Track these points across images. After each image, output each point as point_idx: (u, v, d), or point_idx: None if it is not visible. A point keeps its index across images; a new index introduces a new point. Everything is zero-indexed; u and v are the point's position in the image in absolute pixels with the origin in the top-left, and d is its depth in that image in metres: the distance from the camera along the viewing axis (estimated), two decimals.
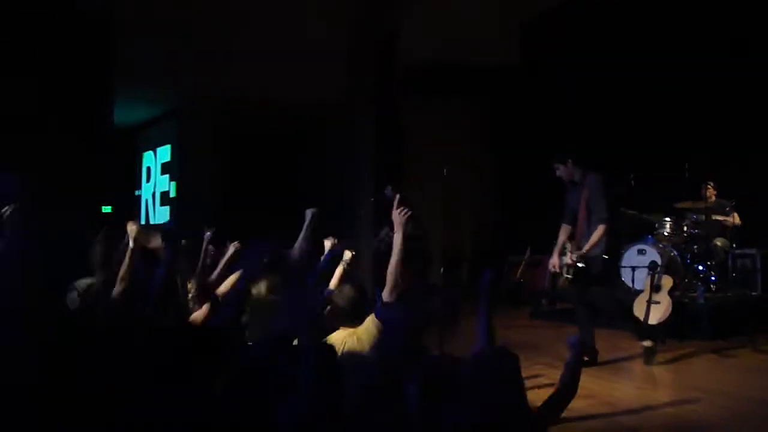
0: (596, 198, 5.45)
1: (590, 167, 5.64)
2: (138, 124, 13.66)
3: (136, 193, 14.27)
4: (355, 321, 3.45)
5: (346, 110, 10.46)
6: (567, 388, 2.50)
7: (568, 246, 5.58)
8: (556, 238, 9.34)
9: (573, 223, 5.71)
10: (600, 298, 5.51)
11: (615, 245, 8.40)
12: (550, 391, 4.70)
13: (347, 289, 3.55)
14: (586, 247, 5.36)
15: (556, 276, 5.78)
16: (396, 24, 9.94)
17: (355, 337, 3.56)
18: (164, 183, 12.96)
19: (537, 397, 4.55)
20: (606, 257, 5.50)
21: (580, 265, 5.34)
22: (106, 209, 8.56)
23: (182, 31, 9.13)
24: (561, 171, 5.61)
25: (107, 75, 8.75)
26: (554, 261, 5.68)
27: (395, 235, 3.46)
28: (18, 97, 7.79)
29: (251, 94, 10.42)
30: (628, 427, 4.04)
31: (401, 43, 9.94)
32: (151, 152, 13.60)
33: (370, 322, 3.35)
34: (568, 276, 5.48)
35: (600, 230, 5.38)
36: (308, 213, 4.62)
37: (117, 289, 3.48)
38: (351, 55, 10.21)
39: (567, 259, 5.50)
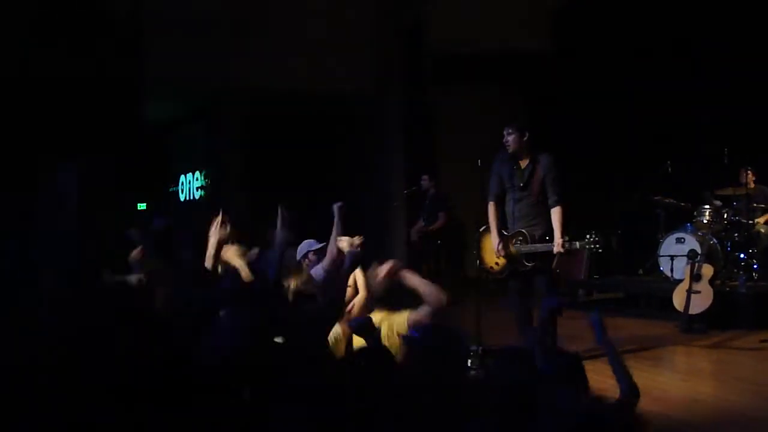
0: (556, 178, 5.14)
1: (541, 148, 5.30)
2: (169, 120, 13.77)
3: (170, 189, 14.39)
4: (392, 304, 3.42)
5: (377, 101, 10.42)
6: (628, 389, 2.35)
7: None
8: (590, 227, 9.29)
9: (501, 201, 5.34)
10: (543, 277, 5.13)
11: (653, 233, 8.30)
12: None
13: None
14: (559, 232, 4.98)
15: (510, 263, 5.21)
16: (424, 12, 9.87)
17: (386, 324, 3.53)
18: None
19: None
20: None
21: (561, 250, 4.93)
22: (141, 206, 8.64)
23: (209, 24, 9.16)
24: (513, 138, 5.18)
25: (137, 71, 8.81)
26: (499, 243, 5.20)
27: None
28: (47, 97, 7.89)
29: (281, 87, 10.42)
30: (675, 419, 3.95)
31: (431, 32, 9.86)
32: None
33: (405, 319, 3.32)
34: (529, 264, 5.06)
35: (560, 212, 5.07)
36: (335, 208, 4.39)
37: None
38: (380, 45, 10.17)
39: (523, 247, 5.08)
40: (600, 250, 4.97)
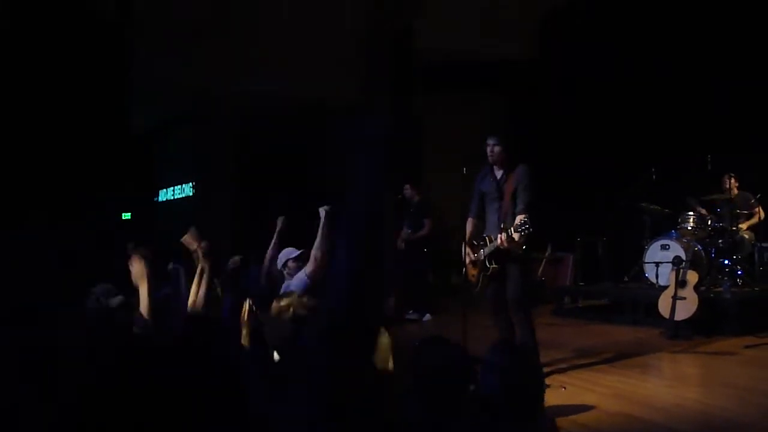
0: (527, 188, 5.14)
1: (520, 160, 5.30)
2: (155, 129, 13.70)
3: (155, 199, 14.31)
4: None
5: (362, 109, 10.41)
6: None
7: (478, 241, 5.26)
8: (576, 235, 9.33)
9: (480, 216, 5.39)
10: (513, 277, 5.09)
11: (638, 240, 8.33)
12: (575, 391, 4.66)
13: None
14: (516, 236, 4.92)
15: (485, 277, 5.26)
16: (411, 20, 9.89)
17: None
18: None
19: (562, 396, 4.51)
20: (524, 247, 5.22)
21: (503, 241, 4.92)
22: (126, 216, 8.57)
23: (197, 32, 9.13)
24: (498, 151, 5.21)
25: (123, 80, 8.76)
26: (470, 252, 5.28)
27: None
28: (34, 104, 7.83)
29: (266, 94, 10.42)
30: (660, 426, 3.96)
31: (418, 40, 9.88)
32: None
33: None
34: (494, 266, 5.07)
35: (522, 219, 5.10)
36: (322, 211, 4.32)
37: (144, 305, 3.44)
38: (366, 53, 10.17)
39: (484, 249, 5.12)
40: (530, 230, 4.89)
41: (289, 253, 4.71)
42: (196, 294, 3.60)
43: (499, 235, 4.98)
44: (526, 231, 4.86)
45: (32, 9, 7.79)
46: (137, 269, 3.53)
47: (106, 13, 8.24)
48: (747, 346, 6.09)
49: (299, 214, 5.18)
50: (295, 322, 3.34)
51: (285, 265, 4.69)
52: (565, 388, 4.79)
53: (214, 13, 9.07)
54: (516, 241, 4.95)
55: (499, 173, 5.28)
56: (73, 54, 7.98)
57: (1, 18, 7.58)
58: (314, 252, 4.21)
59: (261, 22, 9.39)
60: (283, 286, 4.57)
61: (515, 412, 1.81)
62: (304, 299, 3.55)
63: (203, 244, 3.69)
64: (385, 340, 3.30)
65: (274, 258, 4.83)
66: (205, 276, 3.60)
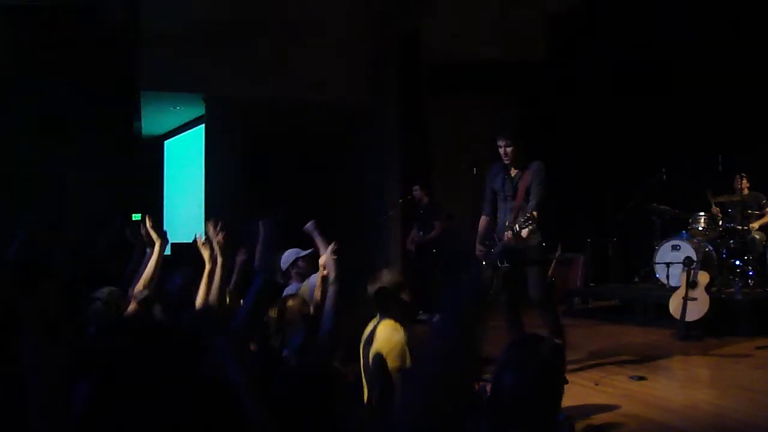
0: (540, 185, 5.11)
1: (534, 156, 5.27)
2: (165, 131, 13.76)
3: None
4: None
5: (372, 111, 10.43)
6: None
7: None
8: (587, 236, 9.31)
9: (493, 214, 5.37)
10: (533, 278, 5.13)
11: (648, 241, 8.30)
12: (586, 392, 4.65)
13: (388, 275, 3.47)
14: (525, 232, 4.90)
15: (497, 277, 5.22)
16: (419, 22, 9.90)
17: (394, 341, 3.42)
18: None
19: (573, 396, 4.50)
20: (543, 244, 5.21)
21: (509, 238, 4.91)
22: (136, 217, 8.62)
23: (206, 34, 9.17)
24: (512, 150, 5.13)
25: (133, 83, 8.82)
26: (480, 248, 5.27)
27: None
28: (45, 107, 7.90)
29: (277, 97, 10.44)
30: (672, 427, 3.95)
31: (427, 41, 9.89)
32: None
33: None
34: (504, 266, 5.06)
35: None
36: (309, 228, 4.07)
37: (140, 295, 3.48)
38: (375, 55, 10.18)
39: (498, 249, 5.10)
40: (532, 225, 4.86)
41: (297, 252, 4.68)
42: (206, 294, 3.56)
43: (506, 233, 4.98)
44: (529, 225, 4.84)
45: (46, 21, 7.87)
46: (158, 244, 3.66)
47: (116, 21, 8.31)
48: (759, 348, 6.05)
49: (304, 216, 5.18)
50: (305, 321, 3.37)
51: (294, 264, 4.67)
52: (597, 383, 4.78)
53: (220, 16, 9.12)
54: (524, 238, 4.92)
55: (514, 171, 5.24)
56: (84, 59, 8.04)
57: (17, 31, 7.67)
58: (322, 261, 4.10)
59: (268, 25, 9.43)
60: (291, 286, 4.56)
61: (531, 413, 1.76)
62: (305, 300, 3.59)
63: (220, 237, 3.65)
64: (398, 335, 3.31)
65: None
66: (218, 271, 3.55)
